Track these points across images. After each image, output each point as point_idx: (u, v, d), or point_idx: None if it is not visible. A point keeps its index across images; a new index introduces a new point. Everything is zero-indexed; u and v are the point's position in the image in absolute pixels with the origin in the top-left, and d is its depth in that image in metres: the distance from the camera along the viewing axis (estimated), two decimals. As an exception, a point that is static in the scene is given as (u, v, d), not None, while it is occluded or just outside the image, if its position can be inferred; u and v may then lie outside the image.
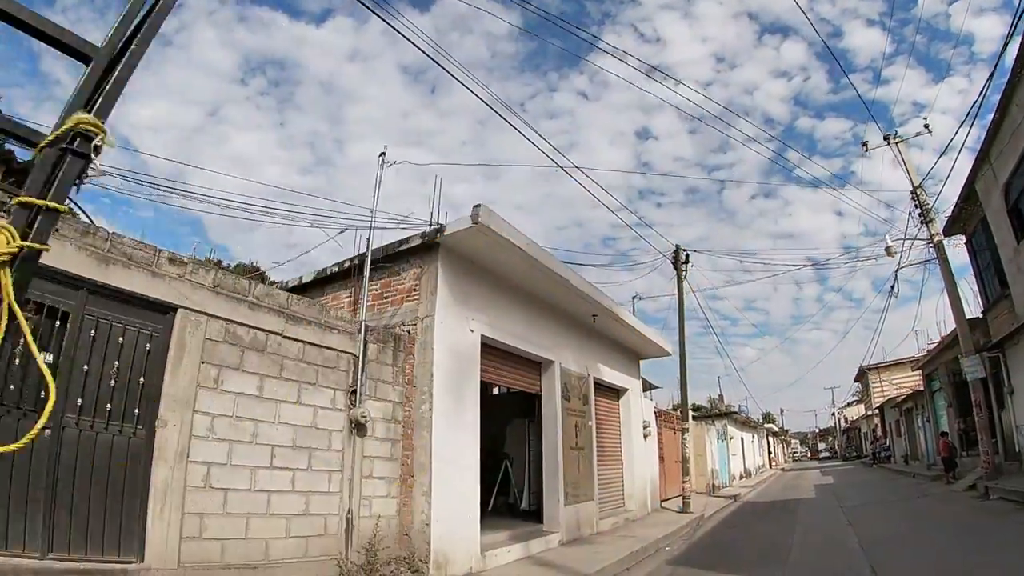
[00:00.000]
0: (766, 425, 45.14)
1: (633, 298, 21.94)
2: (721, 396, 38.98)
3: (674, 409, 18.46)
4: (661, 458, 15.95)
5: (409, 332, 7.15)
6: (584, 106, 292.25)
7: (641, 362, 14.53)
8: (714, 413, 26.41)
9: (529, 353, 8.71)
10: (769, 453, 45.58)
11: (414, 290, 7.34)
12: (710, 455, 21.34)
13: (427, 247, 7.27)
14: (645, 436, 13.72)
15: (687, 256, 14.73)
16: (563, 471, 8.93)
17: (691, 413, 23.18)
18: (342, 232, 7.85)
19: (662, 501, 14.63)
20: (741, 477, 27.51)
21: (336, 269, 8.45)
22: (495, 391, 13.16)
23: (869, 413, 42.07)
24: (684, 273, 14.64)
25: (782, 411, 68.42)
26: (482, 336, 7.52)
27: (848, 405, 58.77)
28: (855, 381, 45.59)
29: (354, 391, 6.33)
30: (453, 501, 6.48)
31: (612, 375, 12.03)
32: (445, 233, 6.96)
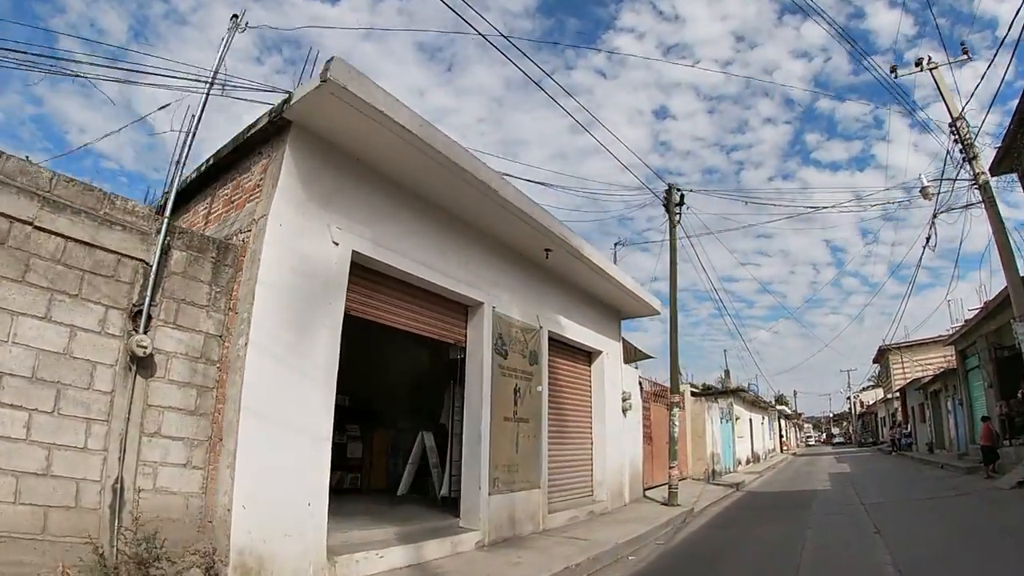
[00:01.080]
0: (778, 407, 42.65)
1: (616, 244, 19.63)
2: (727, 372, 36.41)
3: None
4: (649, 438, 13.68)
5: (243, 242, 5.03)
6: (602, 84, 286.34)
7: (635, 327, 12.31)
8: (717, 390, 24.01)
9: (442, 288, 6.46)
10: (781, 436, 43.16)
11: (258, 187, 5.19)
12: (710, 436, 19.08)
13: (277, 129, 5.11)
14: (625, 410, 11.46)
15: (681, 197, 12.33)
16: (490, 448, 6.74)
17: (692, 389, 21.05)
18: (164, 107, 5.64)
19: (646, 489, 12.39)
20: (748, 462, 25.28)
21: (194, 175, 6.40)
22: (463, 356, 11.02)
23: (888, 397, 39.29)
24: (678, 217, 12.28)
25: (795, 393, 65.29)
26: (354, 252, 5.30)
27: (864, 389, 55.86)
28: (874, 362, 42.86)
29: (139, 312, 4.27)
30: (278, 479, 4.33)
31: (579, 332, 9.79)
32: (293, 102, 4.81)
